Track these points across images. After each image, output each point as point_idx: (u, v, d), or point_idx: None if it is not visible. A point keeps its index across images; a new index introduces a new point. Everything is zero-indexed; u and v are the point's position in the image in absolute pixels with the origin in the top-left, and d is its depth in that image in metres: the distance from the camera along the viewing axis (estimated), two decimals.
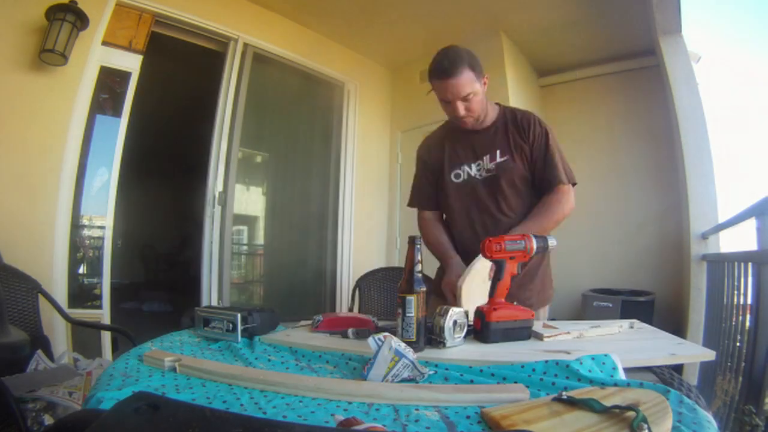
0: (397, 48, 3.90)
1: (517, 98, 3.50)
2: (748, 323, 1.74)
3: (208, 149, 3.02)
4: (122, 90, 2.63)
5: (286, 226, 3.79)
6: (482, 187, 1.49)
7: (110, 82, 2.66)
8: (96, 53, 2.47)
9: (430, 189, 1.62)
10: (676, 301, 3.11)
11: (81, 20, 2.29)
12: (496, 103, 1.56)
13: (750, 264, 1.77)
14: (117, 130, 2.61)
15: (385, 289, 2.22)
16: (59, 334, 2.21)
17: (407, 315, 0.99)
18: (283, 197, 3.80)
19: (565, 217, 1.50)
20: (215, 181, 3.01)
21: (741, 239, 2.12)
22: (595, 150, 3.88)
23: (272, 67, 3.39)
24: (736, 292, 1.94)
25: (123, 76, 2.63)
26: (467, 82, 1.38)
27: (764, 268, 1.63)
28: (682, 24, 2.91)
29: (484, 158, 1.49)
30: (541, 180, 1.47)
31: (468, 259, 1.43)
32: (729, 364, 1.86)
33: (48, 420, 1.64)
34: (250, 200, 3.80)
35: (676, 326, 2.99)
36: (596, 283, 3.42)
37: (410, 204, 1.71)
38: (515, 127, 1.49)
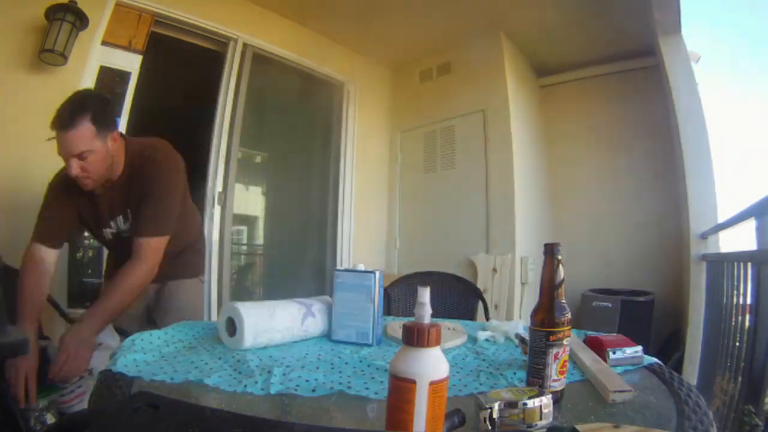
0: (397, 48, 3.90)
1: (516, 98, 3.51)
2: (747, 323, 1.74)
3: (208, 149, 3.02)
4: (122, 90, 2.63)
5: (286, 226, 3.79)
6: (127, 243, 1.37)
7: (110, 82, 2.66)
8: (96, 53, 2.47)
9: (59, 226, 1.44)
10: (675, 301, 3.11)
11: (81, 20, 2.28)
12: (126, 141, 1.39)
13: (749, 264, 1.78)
14: None
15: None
16: (59, 334, 2.20)
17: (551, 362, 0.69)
18: (282, 197, 3.80)
19: (139, 287, 1.32)
20: (215, 181, 3.01)
21: (740, 239, 2.12)
22: (594, 150, 3.89)
23: (272, 67, 3.39)
24: (735, 292, 1.94)
25: (123, 76, 2.63)
26: (83, 137, 1.20)
27: (764, 268, 1.63)
28: (681, 24, 2.91)
29: (118, 219, 1.40)
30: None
31: None
32: (728, 363, 1.86)
33: (50, 419, 1.64)
34: (250, 200, 3.80)
35: (676, 326, 2.99)
36: (596, 283, 3.42)
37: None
38: (138, 180, 1.35)
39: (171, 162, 1.39)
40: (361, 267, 1.11)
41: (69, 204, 1.41)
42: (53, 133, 1.23)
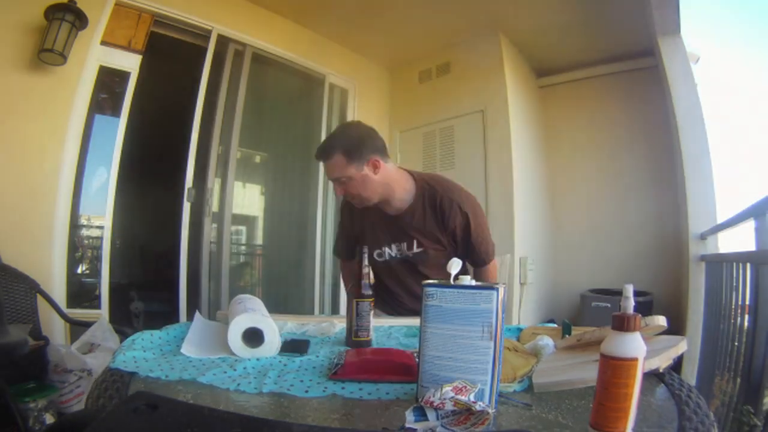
0: (397, 48, 3.90)
1: (515, 99, 3.51)
2: (746, 324, 1.75)
3: (207, 149, 3.02)
4: (121, 90, 2.63)
5: (285, 226, 3.79)
6: (401, 265, 1.54)
7: (109, 82, 2.66)
8: (95, 53, 2.46)
9: (348, 245, 1.67)
10: (674, 301, 3.11)
11: (80, 20, 2.28)
12: (414, 177, 1.53)
13: (748, 264, 1.78)
14: (116, 130, 2.61)
15: None
16: (58, 334, 2.21)
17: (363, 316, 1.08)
18: (281, 197, 3.80)
19: None
20: (214, 181, 3.01)
21: (740, 240, 2.12)
22: (593, 150, 3.89)
23: (271, 67, 3.39)
24: (734, 292, 1.94)
25: (122, 76, 2.63)
26: (336, 167, 1.40)
27: (762, 268, 1.63)
28: (681, 24, 2.91)
29: (402, 245, 1.51)
30: (464, 257, 1.48)
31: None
32: (727, 364, 1.86)
33: (49, 419, 1.64)
34: (249, 200, 3.80)
35: (675, 327, 2.99)
36: (595, 284, 3.43)
37: (336, 253, 1.77)
38: (433, 211, 1.48)
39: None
40: (468, 279, 0.72)
41: (350, 234, 1.66)
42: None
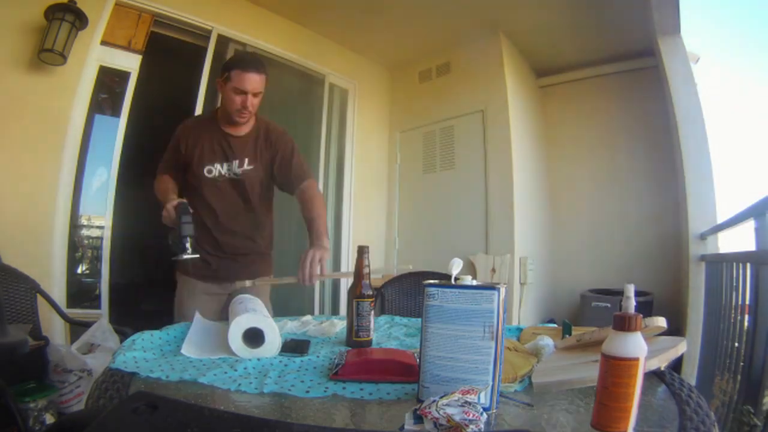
0: (396, 48, 3.91)
1: (515, 98, 3.51)
2: (746, 323, 1.75)
3: None
4: (121, 90, 2.63)
5: (285, 226, 3.78)
6: (229, 185, 1.63)
7: (109, 82, 2.66)
8: (95, 53, 2.46)
9: (173, 164, 1.70)
10: (674, 301, 3.11)
11: (80, 20, 2.28)
12: (256, 116, 1.70)
13: (748, 264, 1.78)
14: (116, 130, 2.61)
15: (413, 295, 1.95)
16: (58, 334, 2.21)
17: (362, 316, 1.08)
18: (281, 197, 3.78)
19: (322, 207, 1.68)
20: None
21: (739, 240, 2.12)
22: (593, 150, 3.89)
23: (271, 67, 3.36)
24: (734, 292, 1.94)
25: (122, 76, 2.63)
26: (263, 83, 1.57)
27: (762, 268, 1.63)
28: (680, 25, 2.91)
29: (234, 162, 1.62)
30: (287, 180, 1.69)
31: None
32: (727, 364, 1.86)
33: (49, 419, 1.64)
34: None
35: (675, 326, 2.99)
36: (595, 284, 3.43)
37: (158, 171, 1.74)
38: (266, 140, 1.67)
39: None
40: (469, 279, 0.72)
41: (179, 152, 1.69)
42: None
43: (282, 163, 1.68)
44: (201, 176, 1.61)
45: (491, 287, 0.67)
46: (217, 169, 1.62)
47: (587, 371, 0.71)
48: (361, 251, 1.14)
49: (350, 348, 1.02)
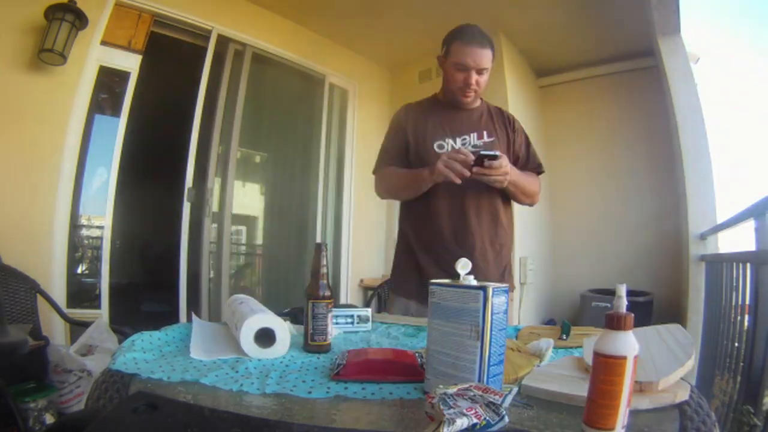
0: (397, 48, 3.90)
1: (515, 98, 3.51)
2: (746, 324, 1.75)
3: (207, 149, 3.02)
4: (121, 90, 2.63)
5: (285, 226, 3.78)
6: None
7: (109, 82, 2.66)
8: (95, 53, 2.47)
9: (396, 153, 1.55)
10: (674, 301, 3.11)
11: (80, 20, 2.28)
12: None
13: (748, 264, 1.78)
14: (116, 130, 2.61)
15: None
16: (58, 334, 2.21)
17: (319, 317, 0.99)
18: (281, 197, 3.80)
19: (536, 194, 1.59)
20: (214, 181, 3.01)
21: (739, 240, 2.12)
22: (593, 150, 3.89)
23: (271, 67, 3.39)
24: (734, 292, 1.94)
25: (122, 76, 2.63)
26: (490, 58, 1.43)
27: (762, 268, 1.63)
28: (681, 24, 2.91)
29: (471, 135, 1.50)
30: (523, 168, 1.54)
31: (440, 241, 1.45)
32: (727, 364, 1.86)
33: (49, 419, 1.64)
34: (249, 200, 3.79)
35: None
36: (595, 284, 3.43)
37: (376, 169, 1.59)
38: (499, 118, 1.56)
39: None
40: (471, 279, 0.73)
41: (402, 137, 1.58)
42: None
43: (525, 146, 1.56)
44: (430, 153, 1.45)
45: (478, 287, 0.68)
46: (449, 144, 1.48)
47: (577, 388, 0.69)
48: (319, 248, 1.03)
49: (308, 351, 0.98)
